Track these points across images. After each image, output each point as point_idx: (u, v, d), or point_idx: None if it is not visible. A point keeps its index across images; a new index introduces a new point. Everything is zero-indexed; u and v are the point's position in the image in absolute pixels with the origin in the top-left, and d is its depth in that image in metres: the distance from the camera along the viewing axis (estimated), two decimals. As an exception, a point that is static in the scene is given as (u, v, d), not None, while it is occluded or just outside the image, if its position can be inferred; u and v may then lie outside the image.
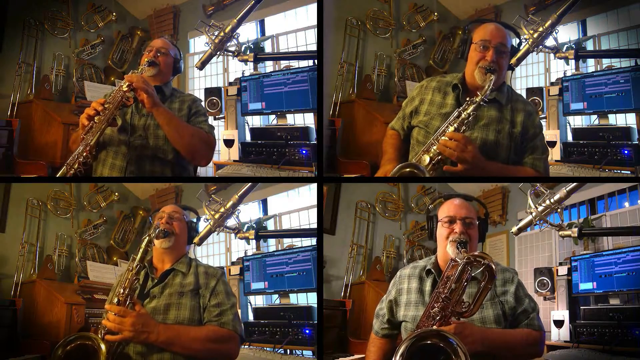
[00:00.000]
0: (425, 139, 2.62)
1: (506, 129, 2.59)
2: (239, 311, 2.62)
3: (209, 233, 3.35)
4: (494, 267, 2.07)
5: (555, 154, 3.54)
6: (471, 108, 2.49)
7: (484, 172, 2.51)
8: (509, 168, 2.60)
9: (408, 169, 2.47)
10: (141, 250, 2.42)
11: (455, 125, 2.49)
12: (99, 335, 2.28)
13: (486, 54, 2.55)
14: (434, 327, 2.07)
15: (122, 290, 2.35)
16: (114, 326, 2.28)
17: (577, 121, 3.61)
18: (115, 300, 2.34)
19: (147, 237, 2.48)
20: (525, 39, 3.47)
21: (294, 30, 4.06)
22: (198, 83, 4.26)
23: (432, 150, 2.50)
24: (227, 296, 2.55)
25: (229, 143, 3.77)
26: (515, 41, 2.75)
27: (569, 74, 3.62)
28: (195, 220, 2.79)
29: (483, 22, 2.68)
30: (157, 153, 2.81)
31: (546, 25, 3.46)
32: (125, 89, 2.68)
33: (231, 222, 3.40)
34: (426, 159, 2.50)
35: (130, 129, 2.83)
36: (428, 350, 1.95)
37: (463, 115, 2.49)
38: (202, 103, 2.98)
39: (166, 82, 2.96)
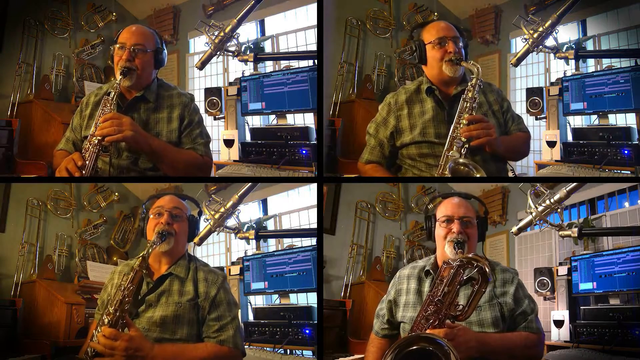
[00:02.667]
0: (429, 150, 2.64)
1: (488, 110, 2.69)
2: (241, 322, 2.51)
3: (209, 233, 3.36)
4: (487, 270, 2.04)
5: (555, 154, 3.54)
6: (471, 94, 2.53)
7: (501, 147, 2.60)
8: (508, 138, 2.71)
9: (465, 168, 2.47)
10: (134, 274, 2.24)
11: (466, 113, 2.53)
12: (88, 357, 2.17)
13: (447, 47, 2.60)
14: (427, 330, 2.04)
15: (112, 310, 2.18)
16: (104, 350, 2.13)
17: (577, 121, 3.60)
18: (106, 320, 2.18)
19: (142, 258, 2.26)
20: (525, 39, 3.49)
21: (294, 30, 4.06)
22: (198, 83, 4.25)
23: (455, 143, 2.52)
24: (229, 307, 2.41)
25: (229, 143, 3.76)
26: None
27: (569, 74, 3.61)
28: (196, 214, 2.62)
29: (427, 24, 2.72)
30: (147, 172, 2.65)
31: (546, 25, 3.47)
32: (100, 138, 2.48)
33: (231, 222, 3.40)
34: (455, 154, 2.51)
35: (115, 151, 2.62)
36: (420, 355, 1.91)
37: (469, 102, 2.53)
38: (195, 103, 2.78)
39: (149, 85, 2.68)
